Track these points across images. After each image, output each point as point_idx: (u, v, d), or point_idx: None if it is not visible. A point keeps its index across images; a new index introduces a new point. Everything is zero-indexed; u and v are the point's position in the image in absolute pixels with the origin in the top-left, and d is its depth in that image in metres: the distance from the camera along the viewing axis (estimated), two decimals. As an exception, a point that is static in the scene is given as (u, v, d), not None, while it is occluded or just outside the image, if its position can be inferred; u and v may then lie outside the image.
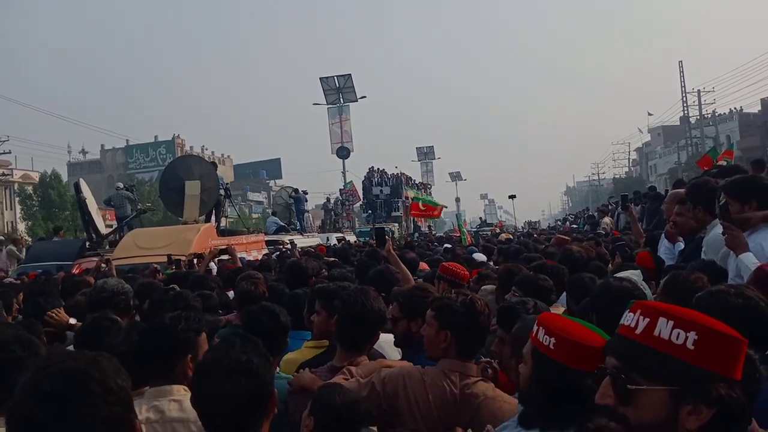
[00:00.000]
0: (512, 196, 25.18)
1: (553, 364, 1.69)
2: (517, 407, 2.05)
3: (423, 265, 6.27)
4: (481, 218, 42.13)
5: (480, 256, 7.84)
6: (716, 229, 3.61)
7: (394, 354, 3.04)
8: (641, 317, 1.27)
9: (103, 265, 7.98)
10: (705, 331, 1.21)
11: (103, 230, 13.69)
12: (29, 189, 47.07)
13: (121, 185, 15.40)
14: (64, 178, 49.04)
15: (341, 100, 40.72)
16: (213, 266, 7.61)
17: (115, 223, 15.12)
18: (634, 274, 3.27)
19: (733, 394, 1.21)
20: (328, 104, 40.97)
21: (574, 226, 26.43)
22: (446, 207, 29.87)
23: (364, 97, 41.94)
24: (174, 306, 3.13)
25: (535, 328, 1.80)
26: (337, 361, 2.69)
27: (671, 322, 1.23)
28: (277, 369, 2.76)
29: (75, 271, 9.38)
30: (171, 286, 4.70)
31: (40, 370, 1.30)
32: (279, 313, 2.87)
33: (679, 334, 1.22)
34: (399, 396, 2.29)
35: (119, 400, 1.29)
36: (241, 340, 1.95)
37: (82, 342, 2.75)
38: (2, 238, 15.50)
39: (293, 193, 23.74)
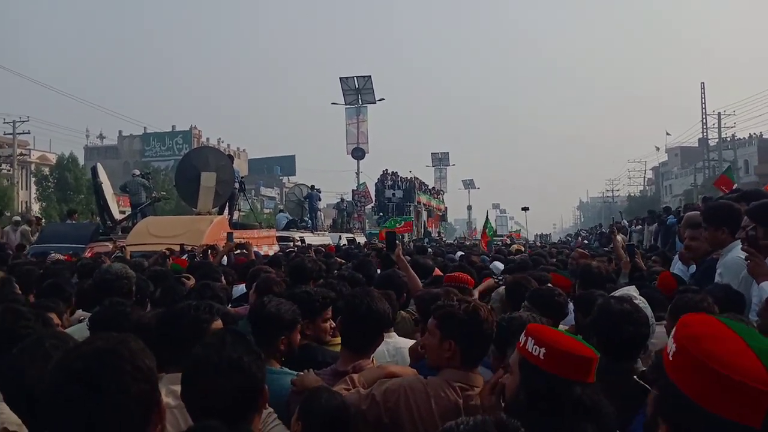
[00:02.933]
0: (525, 208, 24.89)
1: (542, 374, 1.69)
2: None
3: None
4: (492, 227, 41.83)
5: (501, 266, 7.66)
6: (734, 252, 3.56)
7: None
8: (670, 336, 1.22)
9: (118, 251, 8.07)
10: (692, 360, 1.10)
11: (117, 216, 13.78)
12: (46, 170, 47.46)
13: (137, 172, 15.46)
14: (81, 161, 49.42)
15: (360, 101, 40.66)
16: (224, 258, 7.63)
17: (128, 210, 15.19)
18: (630, 289, 3.21)
19: None
20: (346, 104, 40.92)
21: (586, 242, 26.27)
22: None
23: (383, 99, 41.97)
24: (200, 295, 3.13)
25: (523, 338, 1.79)
26: (340, 364, 2.62)
27: (673, 340, 1.16)
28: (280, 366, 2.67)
29: (87, 254, 9.46)
30: (184, 275, 4.71)
31: (73, 350, 1.34)
32: (285, 303, 2.79)
33: (672, 350, 1.15)
34: (401, 408, 2.25)
35: (147, 378, 1.33)
36: (232, 338, 1.96)
37: (99, 326, 2.74)
38: (18, 218, 15.59)
39: (309, 190, 23.73)
